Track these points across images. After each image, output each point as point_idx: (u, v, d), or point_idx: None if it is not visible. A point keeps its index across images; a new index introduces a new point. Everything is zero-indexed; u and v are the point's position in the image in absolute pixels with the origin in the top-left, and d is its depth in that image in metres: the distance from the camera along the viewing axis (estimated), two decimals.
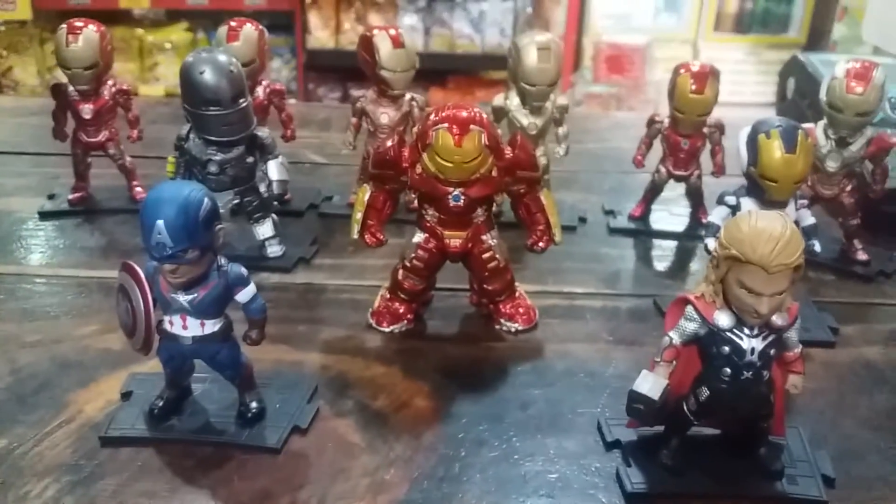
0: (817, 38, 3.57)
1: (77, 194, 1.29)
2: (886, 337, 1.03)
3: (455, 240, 0.96)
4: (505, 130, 1.25)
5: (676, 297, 0.75)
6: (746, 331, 0.71)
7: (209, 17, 3.43)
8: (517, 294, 1.02)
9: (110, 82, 1.24)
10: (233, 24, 1.21)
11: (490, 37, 3.32)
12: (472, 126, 0.87)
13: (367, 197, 0.96)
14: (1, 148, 1.57)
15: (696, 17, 3.75)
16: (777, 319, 0.70)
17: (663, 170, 1.26)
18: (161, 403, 0.81)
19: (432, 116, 0.90)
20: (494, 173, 0.92)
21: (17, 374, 0.89)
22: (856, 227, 1.19)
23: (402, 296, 1.00)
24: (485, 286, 0.99)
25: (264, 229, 1.13)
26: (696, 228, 1.27)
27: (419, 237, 0.97)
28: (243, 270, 0.77)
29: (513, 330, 1.00)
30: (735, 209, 0.97)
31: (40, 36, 3.23)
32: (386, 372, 0.92)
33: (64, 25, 1.18)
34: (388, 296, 1.01)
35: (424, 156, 0.90)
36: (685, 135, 1.22)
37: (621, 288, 1.13)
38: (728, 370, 0.72)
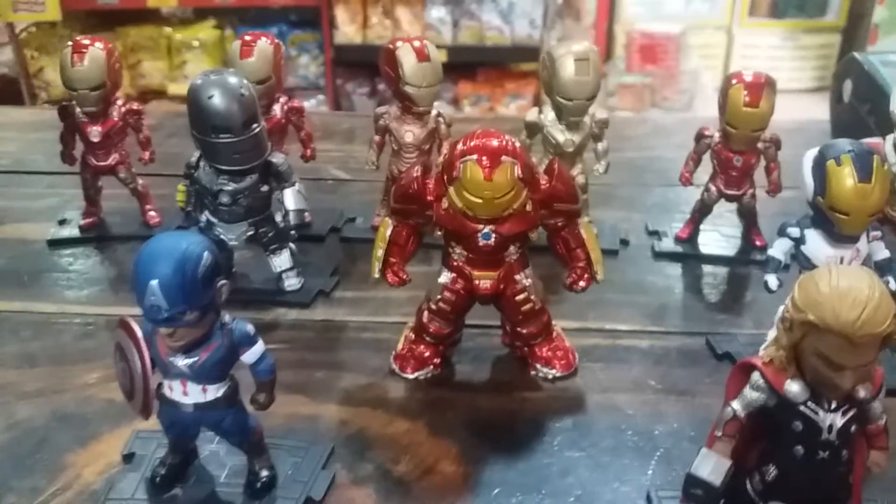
0: (857, 22, 3.41)
1: (88, 219, 1.23)
2: None
3: (485, 281, 0.87)
4: (539, 147, 1.16)
5: (739, 362, 0.65)
6: (824, 404, 0.61)
7: (236, 13, 3.39)
8: (554, 335, 0.93)
9: (119, 102, 1.18)
10: (247, 38, 1.13)
11: (519, 28, 3.24)
12: (503, 157, 0.78)
13: (388, 232, 0.88)
14: (15, 167, 1.51)
15: (730, 1, 3.60)
16: (860, 390, 0.61)
17: (714, 189, 1.15)
18: (163, 471, 0.74)
19: (459, 146, 0.81)
20: (529, 207, 0.83)
21: (14, 429, 0.83)
22: None
23: (428, 339, 0.91)
24: (518, 329, 0.90)
25: (281, 261, 1.06)
26: (749, 252, 1.17)
27: (445, 277, 0.88)
28: (250, 328, 0.69)
29: (550, 377, 0.91)
30: (799, 242, 0.87)
31: (70, 36, 3.19)
32: (410, 429, 0.83)
33: (70, 44, 1.11)
34: (413, 337, 0.93)
35: (451, 189, 0.81)
36: (738, 151, 1.12)
37: (669, 324, 1.03)
38: (801, 448, 0.62)
